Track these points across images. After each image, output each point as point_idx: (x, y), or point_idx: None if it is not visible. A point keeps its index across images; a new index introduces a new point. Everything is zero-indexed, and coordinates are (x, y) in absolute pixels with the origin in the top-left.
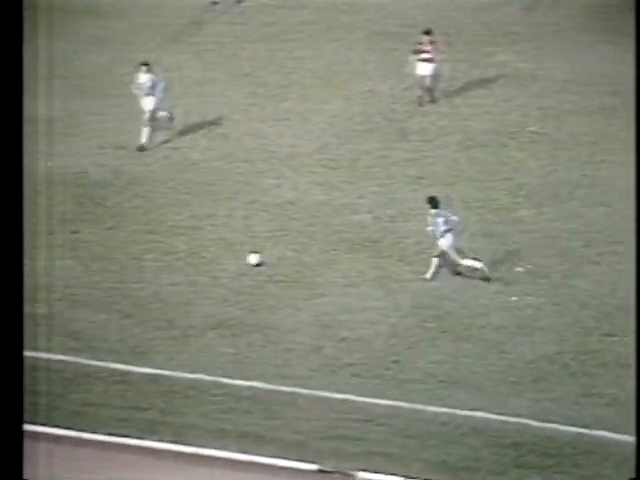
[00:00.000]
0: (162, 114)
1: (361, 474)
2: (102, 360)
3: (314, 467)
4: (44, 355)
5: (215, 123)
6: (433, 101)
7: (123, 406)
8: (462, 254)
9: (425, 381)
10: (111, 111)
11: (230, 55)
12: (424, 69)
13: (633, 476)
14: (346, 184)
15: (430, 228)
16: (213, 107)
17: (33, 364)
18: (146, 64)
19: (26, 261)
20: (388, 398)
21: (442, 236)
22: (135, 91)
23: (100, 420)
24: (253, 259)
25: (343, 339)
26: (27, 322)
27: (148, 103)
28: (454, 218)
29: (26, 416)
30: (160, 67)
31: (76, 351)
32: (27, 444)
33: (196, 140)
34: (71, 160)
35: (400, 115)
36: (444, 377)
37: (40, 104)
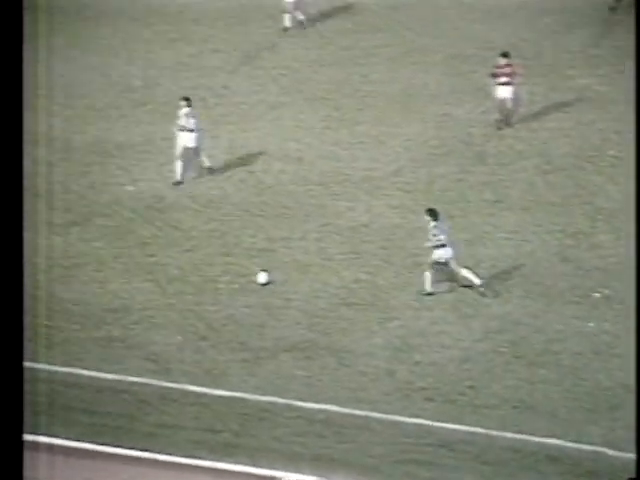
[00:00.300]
0: (199, 154)
1: None
2: (177, 382)
3: None
4: (117, 377)
5: (288, 146)
6: (510, 125)
7: (198, 428)
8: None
9: (499, 407)
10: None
11: (305, 79)
12: (503, 92)
13: (633, 476)
14: (421, 207)
15: (429, 243)
16: (287, 131)
17: (111, 386)
18: (187, 99)
19: (102, 284)
20: (462, 423)
21: (441, 248)
22: (177, 125)
23: (175, 442)
24: (262, 278)
25: (417, 363)
26: (103, 344)
27: (186, 139)
28: (446, 230)
29: (104, 438)
30: (235, 91)
31: (152, 373)
32: (101, 464)
33: (270, 163)
34: (148, 184)
35: (477, 139)
36: (518, 403)
37: (118, 130)
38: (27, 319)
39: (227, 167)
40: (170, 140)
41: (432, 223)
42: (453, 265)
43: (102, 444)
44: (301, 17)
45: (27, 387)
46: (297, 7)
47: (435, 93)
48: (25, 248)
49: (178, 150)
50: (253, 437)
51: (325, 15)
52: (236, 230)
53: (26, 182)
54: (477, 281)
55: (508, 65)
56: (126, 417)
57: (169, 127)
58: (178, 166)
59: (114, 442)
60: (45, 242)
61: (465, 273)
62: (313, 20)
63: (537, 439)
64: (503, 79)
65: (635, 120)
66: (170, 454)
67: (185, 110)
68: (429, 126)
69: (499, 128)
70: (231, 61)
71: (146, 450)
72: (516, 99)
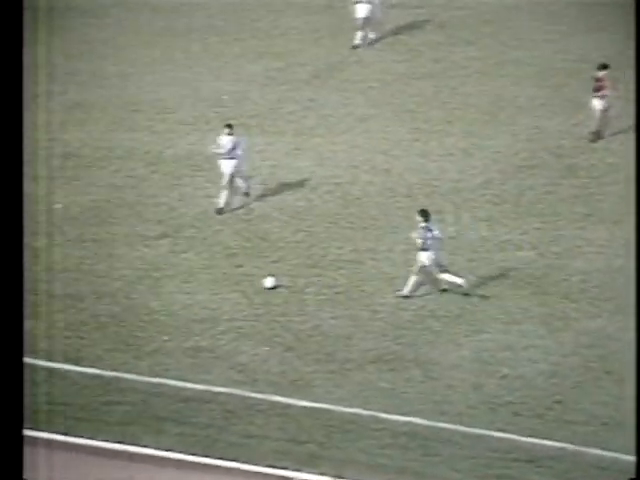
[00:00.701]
0: (240, 179)
1: None
2: (263, 392)
3: None
4: (205, 387)
5: (376, 158)
6: (602, 137)
7: (283, 439)
8: (444, 269)
9: (588, 423)
10: (276, 148)
11: (394, 91)
12: (599, 104)
13: (633, 476)
14: (510, 220)
15: (419, 240)
16: (375, 143)
17: (198, 396)
18: (229, 126)
19: (190, 295)
20: (549, 439)
21: (427, 250)
22: (215, 152)
23: (260, 452)
24: (268, 282)
25: (504, 377)
26: (191, 354)
27: (228, 166)
28: (438, 233)
29: (193, 447)
30: (322, 104)
31: (239, 383)
32: (185, 474)
33: (358, 175)
34: (236, 196)
35: (568, 151)
36: (608, 419)
37: (207, 143)
38: (118, 330)
39: (314, 179)
40: (258, 153)
41: (422, 224)
42: (433, 269)
43: (191, 454)
44: (372, 35)
45: (117, 397)
46: (367, 24)
47: (526, 105)
48: (118, 260)
49: (224, 178)
50: (338, 449)
51: (416, 28)
52: (323, 241)
53: (119, 194)
54: (459, 281)
55: (605, 77)
56: (213, 427)
57: (257, 140)
58: (222, 196)
59: (203, 452)
60: (136, 254)
61: (446, 277)
62: (403, 33)
63: (626, 457)
64: (601, 92)
65: (635, 119)
66: (256, 464)
67: (228, 137)
68: (519, 138)
69: (592, 141)
70: (319, 74)
71: (234, 460)
72: (611, 112)
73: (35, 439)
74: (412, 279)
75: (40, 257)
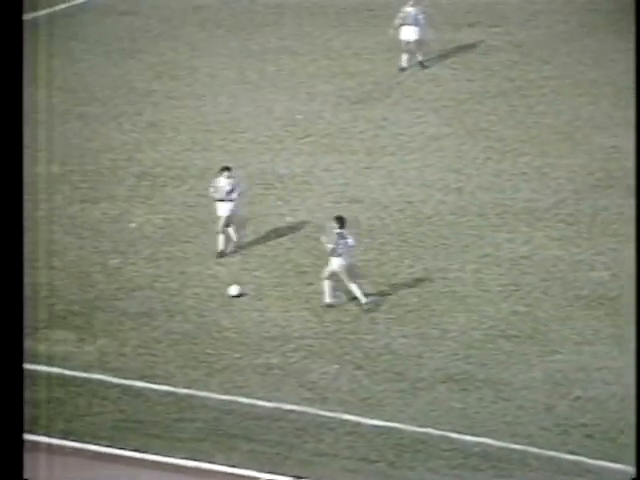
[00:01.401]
0: (233, 226)
1: None
2: (333, 411)
3: None
4: (275, 405)
5: (448, 177)
6: None
7: (353, 457)
8: (354, 280)
9: None
10: (347, 166)
11: (468, 111)
12: None
13: (633, 476)
14: (584, 240)
15: (330, 246)
16: (448, 162)
17: (269, 414)
18: (227, 169)
19: (261, 312)
20: (622, 462)
21: (338, 256)
22: (211, 194)
23: (330, 470)
24: (233, 290)
25: (576, 398)
26: (262, 372)
27: (224, 209)
28: (351, 241)
29: (263, 465)
30: (395, 123)
31: (309, 401)
32: None
33: (430, 194)
34: (307, 214)
35: None
36: None
37: (279, 162)
38: (190, 347)
39: (385, 197)
40: (330, 172)
41: (337, 230)
42: (344, 276)
43: (262, 471)
44: (419, 58)
45: (189, 414)
46: (416, 48)
47: (602, 125)
48: (190, 278)
49: (220, 222)
50: (408, 468)
51: (491, 47)
52: (393, 260)
53: (191, 213)
54: (363, 300)
55: None
56: (284, 445)
57: (330, 159)
58: (220, 238)
59: (273, 469)
60: (208, 272)
61: (353, 288)
62: (478, 52)
63: None
64: None
65: (635, 119)
66: None
67: (226, 180)
68: (595, 158)
69: None
70: (391, 93)
71: (303, 478)
72: None
73: (113, 456)
74: (325, 284)
75: (114, 275)
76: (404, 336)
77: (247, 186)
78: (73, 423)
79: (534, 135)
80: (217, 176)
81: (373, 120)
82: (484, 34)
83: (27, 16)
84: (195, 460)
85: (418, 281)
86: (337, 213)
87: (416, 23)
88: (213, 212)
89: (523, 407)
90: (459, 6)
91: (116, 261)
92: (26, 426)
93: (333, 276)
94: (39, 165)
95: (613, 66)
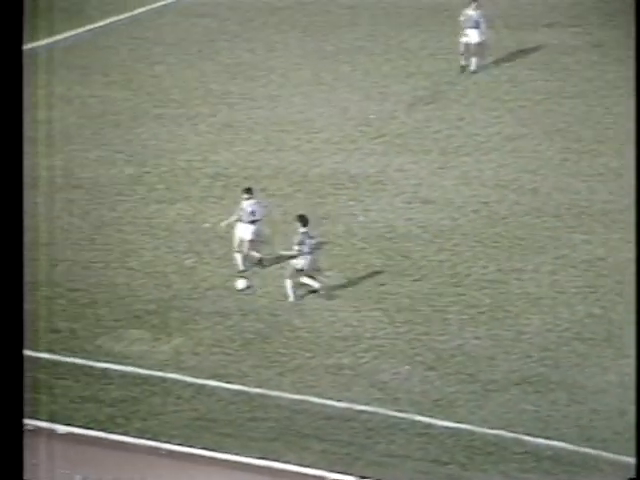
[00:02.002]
0: (254, 248)
1: None
2: (405, 411)
3: None
4: (346, 405)
5: (524, 178)
6: None
7: (424, 459)
8: (316, 274)
9: None
10: (421, 166)
11: (545, 111)
12: None
13: (633, 476)
14: None
15: (296, 247)
16: (523, 162)
17: (340, 414)
18: (249, 190)
19: (333, 312)
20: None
21: (304, 255)
22: (238, 215)
23: (401, 472)
24: (240, 284)
25: None
26: (333, 372)
27: (244, 231)
28: (316, 240)
29: (334, 465)
30: (470, 123)
31: (380, 402)
32: None
33: (505, 195)
34: (380, 214)
35: None
36: None
37: (352, 162)
38: (262, 347)
39: (459, 198)
40: (403, 172)
41: (301, 229)
42: (304, 274)
43: (333, 471)
44: (481, 60)
45: (261, 414)
46: (477, 50)
47: None
48: (264, 278)
49: (236, 242)
50: (480, 471)
51: (570, 48)
52: (467, 261)
53: (265, 212)
54: (316, 285)
55: None
56: (355, 445)
57: (403, 159)
58: (238, 258)
59: (344, 470)
60: (281, 271)
61: (306, 280)
62: (555, 52)
63: None
64: None
65: (635, 119)
66: None
67: (247, 202)
68: None
69: None
70: (468, 94)
71: (373, 479)
72: None
73: (186, 455)
74: (288, 284)
75: (189, 275)
76: (477, 337)
77: (269, 209)
78: (148, 422)
79: (611, 136)
80: (241, 199)
81: (448, 120)
82: (563, 34)
83: (105, 20)
84: (267, 459)
85: (492, 282)
86: (410, 213)
87: (477, 26)
88: (285, 212)
89: (597, 411)
90: (538, 7)
91: (191, 261)
92: (103, 424)
93: (295, 275)
94: (116, 167)
95: None
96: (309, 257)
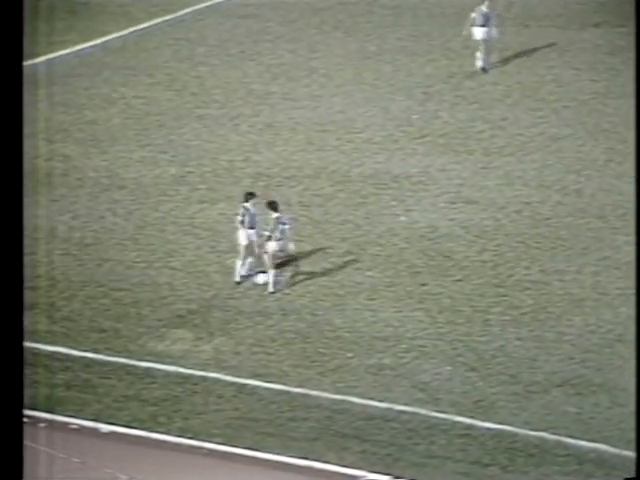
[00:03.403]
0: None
1: None
2: (446, 412)
3: None
4: (387, 405)
5: (567, 178)
6: None
7: (465, 460)
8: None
9: None
10: (464, 166)
11: (590, 111)
12: None
13: (633, 475)
14: None
15: (267, 233)
16: (568, 163)
17: (381, 414)
18: (252, 194)
19: (374, 312)
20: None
21: (276, 241)
22: (238, 222)
23: (442, 473)
24: (261, 279)
25: None
26: (374, 372)
27: (246, 236)
28: (289, 226)
29: (374, 466)
30: (513, 123)
31: (421, 402)
32: None
33: (548, 195)
34: (422, 214)
35: None
36: None
37: (394, 162)
38: (303, 346)
39: (502, 198)
40: (446, 172)
41: (274, 215)
42: (269, 258)
43: (373, 472)
44: (480, 63)
45: (302, 413)
46: (486, 46)
47: None
48: (303, 277)
49: (241, 248)
50: (521, 473)
51: (617, 48)
52: (509, 261)
53: (305, 213)
54: (270, 289)
55: None
56: (396, 446)
57: (445, 159)
58: (238, 265)
59: (385, 470)
60: (321, 270)
61: (271, 273)
62: (602, 52)
63: None
64: None
65: (635, 119)
66: None
67: (247, 206)
68: None
69: None
70: (510, 93)
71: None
72: None
73: (227, 454)
74: (270, 273)
75: (230, 275)
76: (519, 338)
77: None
78: (190, 421)
79: None
80: (243, 203)
81: (491, 120)
82: (610, 34)
83: (149, 22)
84: (307, 459)
85: (534, 283)
86: (452, 213)
87: (486, 23)
88: (327, 212)
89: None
90: (587, 6)
91: (232, 261)
92: (145, 423)
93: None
94: (159, 167)
95: None
96: (281, 242)
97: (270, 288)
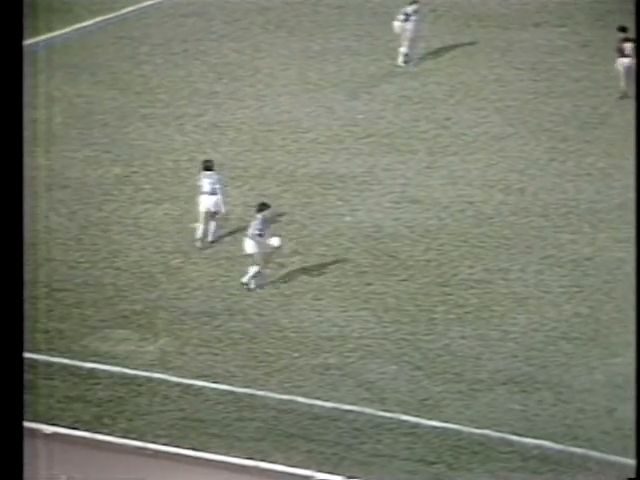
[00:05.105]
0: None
1: None
2: (391, 411)
3: None
4: (333, 405)
5: (511, 177)
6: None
7: (411, 458)
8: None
9: None
10: (408, 166)
11: (532, 111)
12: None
13: (633, 476)
14: None
15: (255, 232)
16: (510, 162)
17: (327, 414)
18: (208, 161)
19: (320, 312)
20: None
21: (258, 239)
22: (200, 189)
23: (388, 471)
24: (275, 241)
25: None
26: (320, 372)
27: (205, 202)
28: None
29: (321, 465)
30: (457, 123)
31: (367, 401)
32: None
33: (492, 194)
34: (367, 214)
35: None
36: None
37: (340, 162)
38: (250, 347)
39: (446, 197)
40: (390, 171)
41: (259, 215)
42: (257, 258)
43: (320, 471)
44: (409, 51)
45: (248, 414)
46: (407, 41)
47: None
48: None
49: (200, 214)
50: (466, 470)
51: (558, 48)
52: (454, 260)
53: (252, 212)
54: (251, 286)
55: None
56: (342, 445)
57: (390, 159)
58: (200, 229)
59: (331, 470)
60: (268, 272)
61: (251, 270)
62: (544, 52)
63: None
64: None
65: (635, 119)
66: None
67: (206, 173)
68: None
69: None
70: (454, 94)
71: (359, 478)
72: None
73: (172, 455)
74: (253, 269)
75: (176, 275)
76: (463, 337)
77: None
78: (134, 422)
79: (598, 135)
80: (201, 170)
81: (435, 120)
82: (551, 34)
83: (89, 21)
84: (253, 459)
85: (478, 282)
86: (397, 213)
87: (410, 19)
88: (273, 212)
89: (583, 410)
90: (529, 6)
91: (178, 261)
92: (89, 424)
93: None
94: (103, 167)
95: None
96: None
97: (251, 285)
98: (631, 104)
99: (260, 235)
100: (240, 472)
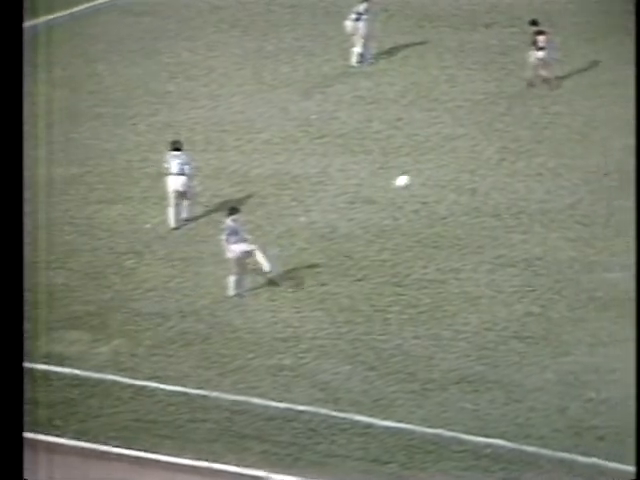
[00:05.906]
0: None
1: None
2: (345, 411)
3: None
4: (287, 405)
5: (462, 178)
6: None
7: (365, 458)
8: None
9: None
10: (362, 166)
11: (482, 111)
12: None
13: (633, 477)
14: (599, 241)
15: (224, 237)
16: (462, 162)
17: (281, 415)
18: (177, 142)
19: (274, 312)
20: (634, 464)
21: (235, 243)
22: (165, 170)
23: (342, 471)
24: (401, 181)
25: (589, 400)
26: (274, 372)
27: (174, 183)
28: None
29: (275, 466)
30: (409, 123)
31: (321, 402)
32: None
33: (444, 194)
34: (322, 215)
35: None
36: None
37: (294, 162)
38: (203, 348)
39: (399, 198)
40: (344, 172)
41: (230, 218)
42: (231, 264)
43: (274, 472)
44: (366, 50)
45: (201, 415)
46: (361, 40)
47: (618, 126)
48: (204, 279)
49: (170, 195)
50: (420, 469)
51: (508, 48)
52: (407, 260)
53: (205, 213)
54: (231, 293)
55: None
56: (296, 445)
57: (344, 159)
58: (171, 212)
59: (285, 470)
60: (222, 272)
61: (258, 258)
62: (494, 53)
63: None
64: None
65: (635, 119)
66: None
67: (174, 154)
68: (611, 159)
69: None
70: (406, 94)
71: (315, 479)
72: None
73: (122, 456)
74: (232, 278)
75: (129, 276)
76: (416, 337)
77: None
78: (86, 423)
79: (549, 136)
80: (168, 151)
81: (387, 120)
82: (501, 34)
83: (43, 18)
84: (207, 460)
85: (431, 282)
86: (351, 213)
87: (361, 19)
88: (224, 213)
89: (535, 409)
90: (478, 7)
91: (131, 262)
92: (40, 426)
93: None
94: (56, 166)
95: (629, 67)
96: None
97: (231, 291)
98: (581, 104)
99: (230, 241)
100: (193, 473)
